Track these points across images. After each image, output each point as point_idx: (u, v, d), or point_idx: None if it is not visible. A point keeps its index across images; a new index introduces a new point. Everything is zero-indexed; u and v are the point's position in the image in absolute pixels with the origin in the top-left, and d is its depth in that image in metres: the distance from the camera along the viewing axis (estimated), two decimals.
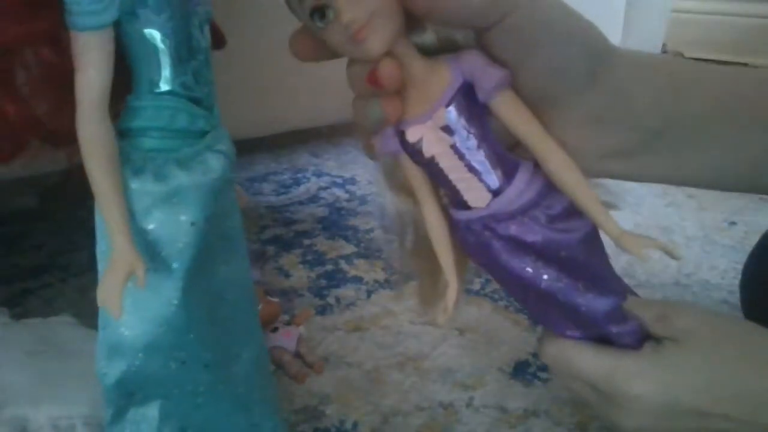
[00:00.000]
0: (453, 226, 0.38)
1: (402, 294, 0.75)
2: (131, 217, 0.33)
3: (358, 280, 0.79)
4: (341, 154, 1.31)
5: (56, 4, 0.30)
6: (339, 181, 1.15)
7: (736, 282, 0.78)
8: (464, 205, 0.37)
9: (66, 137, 0.33)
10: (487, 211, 0.36)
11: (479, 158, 0.35)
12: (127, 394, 0.37)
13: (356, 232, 0.93)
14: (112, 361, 0.37)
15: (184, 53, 0.34)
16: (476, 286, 0.77)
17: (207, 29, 0.36)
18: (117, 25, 0.32)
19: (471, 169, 0.35)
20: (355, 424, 0.54)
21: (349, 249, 0.87)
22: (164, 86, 0.34)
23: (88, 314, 0.69)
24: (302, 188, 1.11)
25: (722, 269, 0.81)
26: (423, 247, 0.40)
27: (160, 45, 0.33)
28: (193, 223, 0.35)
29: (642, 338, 0.36)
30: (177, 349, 0.37)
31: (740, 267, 0.81)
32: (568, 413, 0.55)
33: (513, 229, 0.36)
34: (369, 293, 0.76)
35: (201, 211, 0.35)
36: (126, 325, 0.36)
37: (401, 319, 0.70)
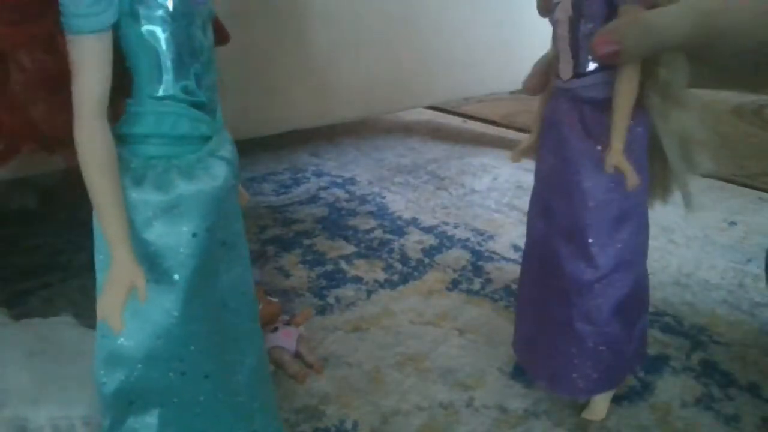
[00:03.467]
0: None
1: (402, 294, 0.75)
2: (131, 227, 0.32)
3: (358, 280, 0.79)
4: (341, 154, 1.31)
5: (52, 6, 0.29)
6: (339, 181, 1.15)
7: (736, 282, 0.78)
8: (556, 74, 0.48)
9: (62, 142, 0.32)
10: (563, 85, 0.47)
11: (585, 45, 0.44)
12: (125, 403, 0.37)
13: (356, 232, 0.93)
14: (110, 371, 0.36)
15: (186, 55, 0.33)
16: (476, 287, 0.77)
17: (210, 29, 0.35)
18: (116, 28, 0.31)
19: (572, 46, 0.45)
20: (355, 424, 0.54)
21: (349, 249, 0.87)
22: (165, 91, 0.33)
23: (88, 314, 0.69)
24: (302, 188, 1.11)
25: (722, 269, 0.81)
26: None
27: (161, 47, 0.32)
28: (194, 234, 0.34)
29: None
30: (177, 360, 0.36)
31: (740, 267, 0.82)
32: (568, 414, 0.55)
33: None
34: (369, 293, 0.75)
35: (203, 221, 0.34)
36: (125, 336, 0.35)
37: (401, 319, 0.70)
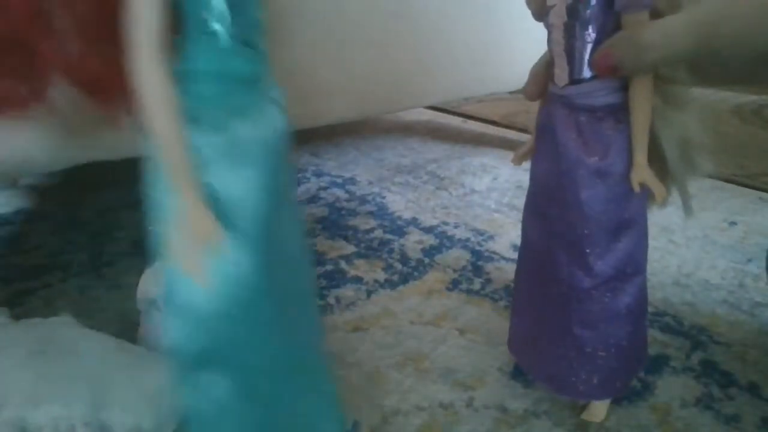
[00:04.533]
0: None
1: (402, 294, 0.75)
2: (194, 171, 0.31)
3: (358, 280, 0.79)
4: (341, 154, 1.31)
5: None
6: (339, 181, 1.15)
7: (736, 282, 0.78)
8: (551, 79, 0.47)
9: (99, 84, 0.31)
10: (559, 91, 0.46)
11: (580, 51, 0.43)
12: (196, 358, 0.36)
13: (356, 232, 0.93)
14: (181, 329, 0.35)
15: None
16: (476, 287, 0.77)
17: None
18: None
19: (568, 52, 0.44)
20: (355, 424, 0.54)
21: (349, 249, 0.87)
22: (216, 25, 0.31)
23: (88, 314, 0.69)
24: (302, 188, 1.11)
25: (722, 269, 0.81)
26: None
27: None
28: (257, 180, 0.33)
29: None
30: (246, 313, 0.35)
31: (740, 267, 0.82)
32: (568, 414, 0.55)
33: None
34: (369, 293, 0.75)
35: (265, 166, 0.33)
36: (194, 289, 0.34)
37: (401, 319, 0.70)
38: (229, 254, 0.33)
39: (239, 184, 0.32)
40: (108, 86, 0.31)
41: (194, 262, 0.31)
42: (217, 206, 0.32)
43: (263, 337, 0.36)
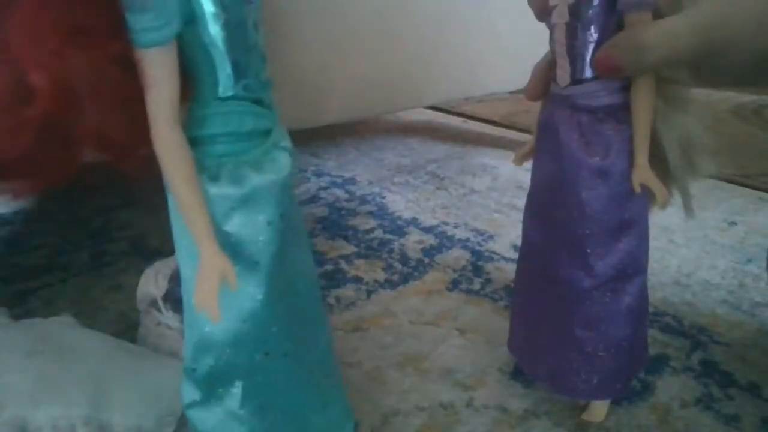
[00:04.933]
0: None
1: (402, 294, 0.75)
2: (213, 220, 0.34)
3: (358, 280, 0.79)
4: (341, 154, 1.31)
5: (124, 25, 0.31)
6: (339, 181, 1.15)
7: (736, 282, 0.78)
8: (554, 79, 0.47)
9: (129, 150, 0.35)
10: (561, 91, 0.46)
11: (582, 51, 0.43)
12: (215, 380, 0.39)
13: (356, 232, 0.93)
14: (199, 358, 0.39)
15: (242, 55, 0.35)
16: (476, 287, 0.77)
17: (261, 27, 0.36)
18: (178, 36, 0.32)
19: (570, 52, 0.44)
20: (355, 424, 0.54)
21: (349, 249, 0.87)
22: (227, 91, 0.35)
23: (88, 314, 0.69)
24: (302, 188, 1.11)
25: (722, 269, 0.81)
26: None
27: (220, 50, 0.34)
28: (270, 222, 0.36)
29: None
30: (261, 342, 0.38)
31: (740, 267, 0.82)
32: (568, 414, 0.55)
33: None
34: (369, 293, 0.75)
35: (276, 209, 0.36)
36: (212, 323, 0.37)
37: (401, 319, 0.70)
38: (246, 289, 0.36)
39: (254, 228, 0.36)
40: (132, 152, 0.35)
41: (209, 297, 0.34)
42: (232, 248, 0.35)
43: (273, 360, 0.39)
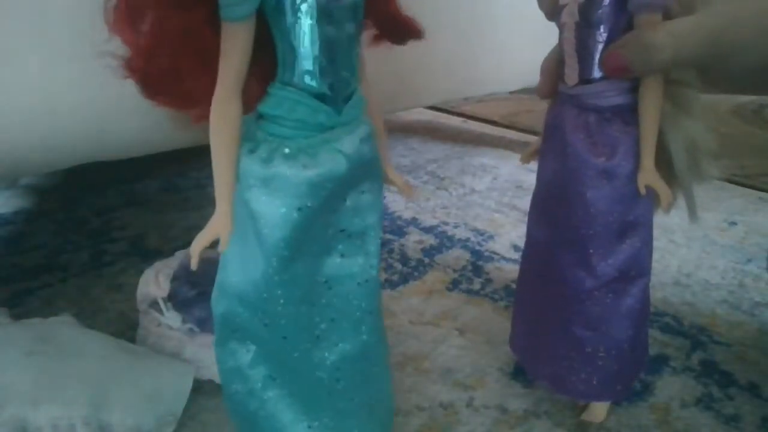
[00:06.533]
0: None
1: (402, 294, 0.75)
2: (239, 186, 0.37)
3: None
4: None
5: None
6: None
7: (736, 282, 0.78)
8: (561, 78, 0.47)
9: (196, 100, 0.36)
10: (568, 90, 0.46)
11: (591, 50, 0.43)
12: (229, 329, 0.41)
13: None
14: (218, 297, 0.41)
15: (314, 47, 0.36)
16: (476, 287, 0.77)
17: (352, 25, 0.37)
18: (266, 17, 0.35)
19: (579, 51, 0.44)
20: None
21: None
22: (289, 77, 0.36)
23: (88, 314, 0.69)
24: None
25: (722, 269, 0.81)
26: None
27: (294, 37, 0.35)
28: (284, 211, 0.37)
29: None
30: (261, 311, 0.39)
31: (740, 267, 0.82)
32: (568, 414, 0.55)
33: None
34: None
35: (295, 201, 0.37)
36: (231, 272, 0.40)
37: (401, 319, 0.70)
38: (257, 258, 0.38)
39: (269, 209, 0.37)
40: (202, 98, 0.37)
41: (198, 242, 0.37)
42: (251, 215, 0.37)
43: (273, 336, 0.40)
